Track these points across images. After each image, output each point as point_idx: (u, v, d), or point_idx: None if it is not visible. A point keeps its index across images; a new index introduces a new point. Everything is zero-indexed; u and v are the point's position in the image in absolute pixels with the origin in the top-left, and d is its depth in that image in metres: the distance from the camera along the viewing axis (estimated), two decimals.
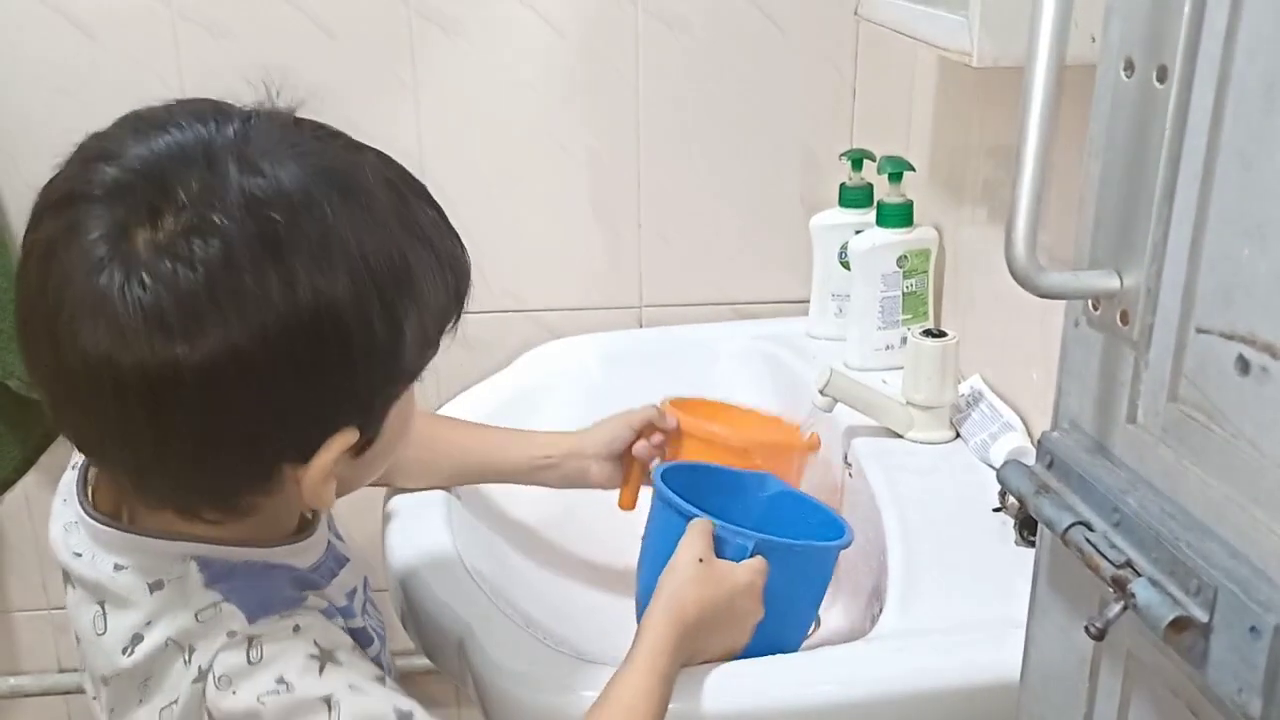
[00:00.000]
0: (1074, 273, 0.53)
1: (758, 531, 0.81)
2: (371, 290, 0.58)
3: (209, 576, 0.62)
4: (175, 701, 0.61)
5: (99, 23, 1.19)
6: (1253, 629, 0.42)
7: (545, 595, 0.99)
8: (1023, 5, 0.52)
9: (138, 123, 0.58)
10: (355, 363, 0.59)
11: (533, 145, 1.28)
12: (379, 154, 0.64)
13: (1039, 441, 0.57)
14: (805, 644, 0.91)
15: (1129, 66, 0.50)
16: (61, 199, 0.57)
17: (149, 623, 0.62)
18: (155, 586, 0.62)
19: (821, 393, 1.00)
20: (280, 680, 0.60)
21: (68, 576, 0.66)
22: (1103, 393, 0.54)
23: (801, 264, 1.30)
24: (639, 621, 0.77)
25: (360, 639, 0.68)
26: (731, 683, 0.74)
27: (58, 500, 0.69)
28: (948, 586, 0.83)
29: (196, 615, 0.61)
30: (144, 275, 0.54)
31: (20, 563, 1.40)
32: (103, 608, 0.63)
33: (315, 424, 0.60)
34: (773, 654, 0.79)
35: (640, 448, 0.97)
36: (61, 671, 1.44)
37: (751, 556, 0.79)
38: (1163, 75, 0.48)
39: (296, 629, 0.62)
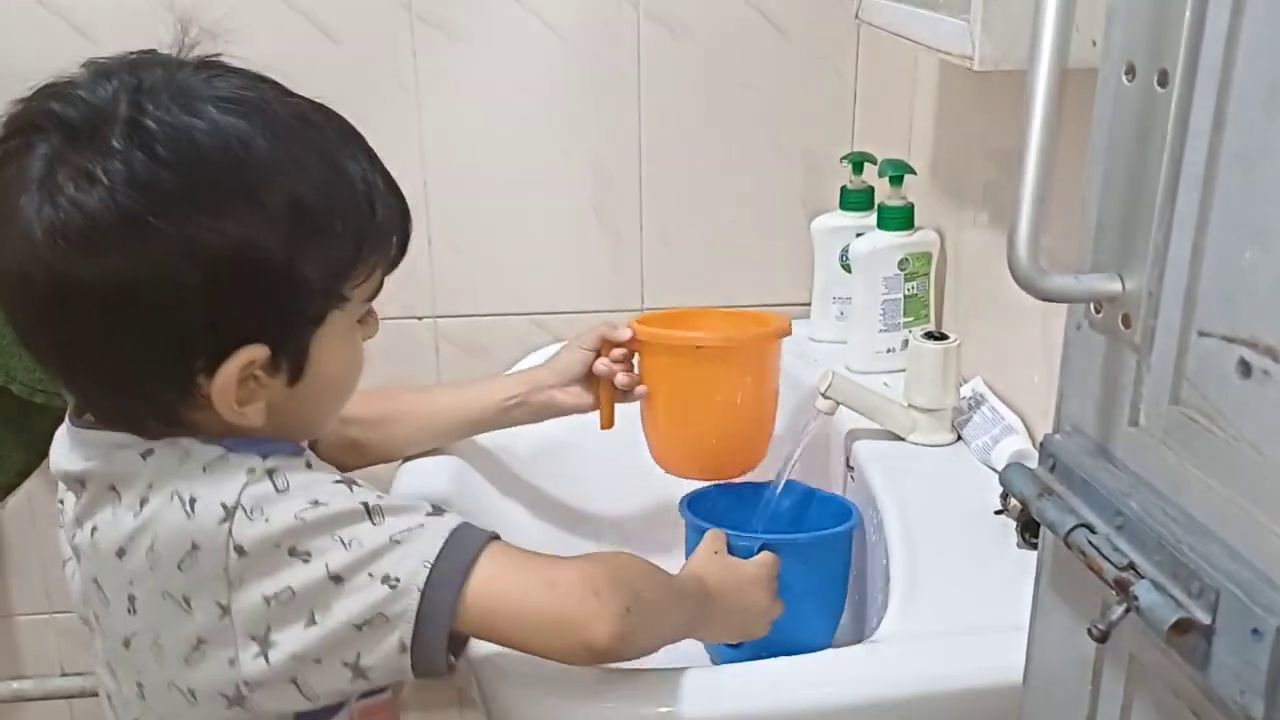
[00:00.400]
0: (1076, 276, 0.53)
1: (777, 532, 0.93)
2: (261, 213, 0.62)
3: (203, 439, 0.66)
4: (194, 548, 0.63)
5: (101, 28, 1.19)
6: (1255, 631, 0.42)
7: None
8: (1024, 9, 0.52)
9: (92, 67, 0.65)
10: (248, 281, 0.63)
11: (535, 149, 1.28)
12: (308, 99, 0.69)
13: (1041, 444, 0.57)
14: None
15: (1130, 70, 0.50)
16: (13, 130, 0.63)
17: (151, 484, 0.65)
18: (147, 454, 0.66)
19: (823, 395, 1.00)
20: (314, 501, 0.64)
21: (81, 483, 0.68)
22: (1105, 396, 0.54)
23: (803, 267, 1.30)
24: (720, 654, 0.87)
25: None
26: (734, 685, 0.74)
27: (54, 445, 0.73)
28: (950, 589, 0.83)
29: (204, 468, 0.64)
30: (55, 196, 0.60)
31: (23, 566, 1.40)
32: (116, 490, 0.66)
33: (213, 335, 0.64)
34: (803, 640, 0.85)
35: (601, 366, 0.99)
36: (64, 675, 1.44)
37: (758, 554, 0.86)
38: (1164, 79, 0.48)
39: (310, 465, 0.67)
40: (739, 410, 1.00)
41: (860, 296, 1.18)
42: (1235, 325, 0.45)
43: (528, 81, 1.26)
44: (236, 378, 0.64)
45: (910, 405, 1.03)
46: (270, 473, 0.64)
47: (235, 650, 0.63)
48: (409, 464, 1.01)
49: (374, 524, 0.64)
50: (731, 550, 0.87)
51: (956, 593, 0.83)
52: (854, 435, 1.05)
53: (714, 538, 0.87)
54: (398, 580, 0.63)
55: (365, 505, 0.64)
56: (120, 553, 0.65)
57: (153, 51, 0.67)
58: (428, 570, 0.63)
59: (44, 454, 1.28)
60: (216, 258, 0.61)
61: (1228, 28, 0.44)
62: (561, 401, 1.00)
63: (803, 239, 1.29)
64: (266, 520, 0.63)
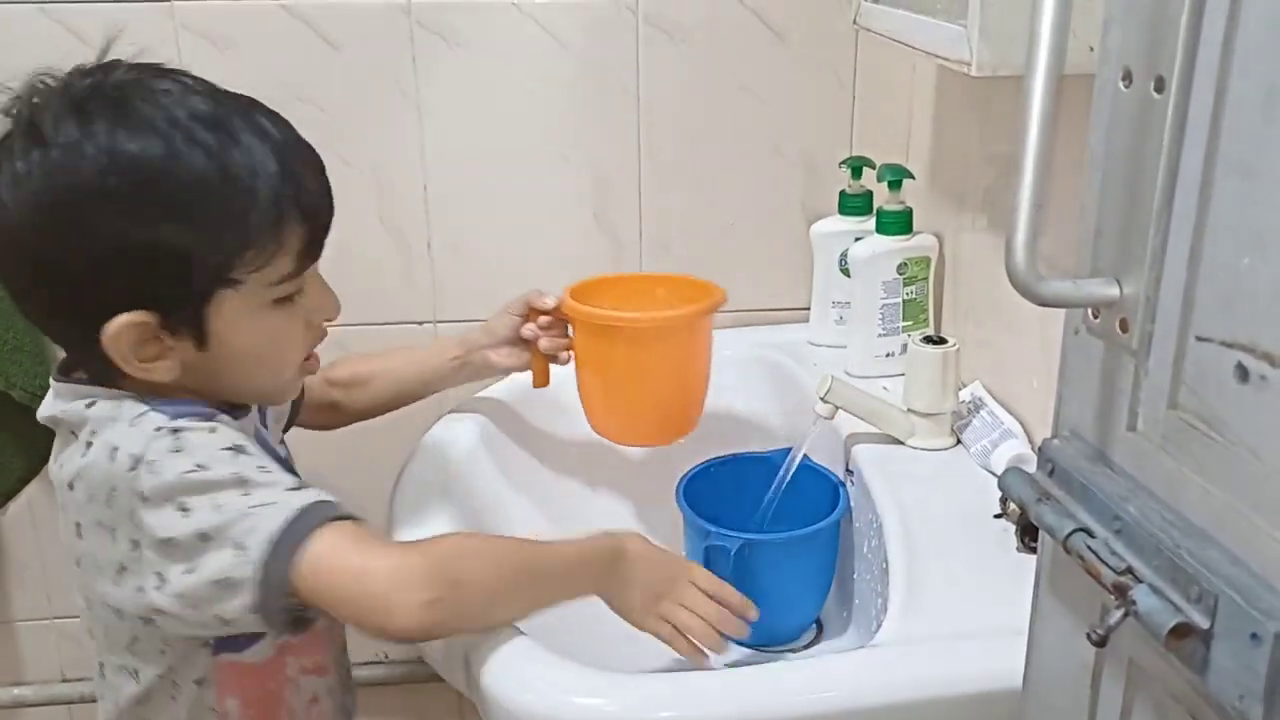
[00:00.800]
0: (1074, 281, 0.53)
1: (764, 519, 1.02)
2: (135, 207, 0.71)
3: (134, 397, 0.76)
4: (114, 490, 0.73)
5: (102, 35, 1.19)
6: (1254, 636, 0.42)
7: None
8: (1021, 15, 0.52)
9: (38, 79, 0.75)
10: (124, 263, 0.72)
11: (535, 155, 1.28)
12: (225, 96, 0.76)
13: (1040, 449, 0.57)
14: (810, 651, 0.97)
15: (1127, 76, 0.50)
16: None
17: (94, 431, 0.75)
18: (90, 404, 0.76)
19: (823, 400, 1.00)
20: (200, 464, 0.72)
21: (57, 424, 0.79)
22: (1103, 401, 0.54)
23: (802, 271, 1.30)
24: None
25: None
26: (733, 689, 0.74)
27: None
28: (949, 593, 0.83)
29: (130, 422, 0.74)
30: None
31: (23, 572, 1.40)
32: (74, 433, 0.77)
33: (104, 303, 0.73)
34: (789, 626, 0.98)
35: (526, 330, 1.05)
36: (64, 681, 1.44)
37: (736, 554, 0.93)
38: (1160, 85, 0.48)
39: (213, 430, 0.75)
40: (668, 383, 1.05)
41: (859, 301, 1.18)
42: (1233, 330, 0.45)
43: (528, 87, 1.26)
44: (126, 339, 0.73)
45: (909, 409, 1.03)
46: (175, 432, 0.73)
47: (143, 580, 0.73)
48: (406, 506, 0.99)
49: (242, 494, 0.72)
50: (712, 550, 0.93)
51: (956, 597, 0.83)
52: (853, 439, 1.05)
53: None
54: (245, 549, 0.70)
55: (238, 475, 0.72)
56: (70, 485, 0.76)
57: (85, 65, 0.76)
58: (269, 545, 0.70)
59: (45, 459, 1.29)
60: (98, 244, 0.71)
61: (1224, 34, 0.45)
62: (495, 361, 1.07)
63: (802, 243, 1.29)
64: (158, 474, 0.71)
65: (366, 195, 1.28)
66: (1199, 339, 0.47)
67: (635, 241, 1.32)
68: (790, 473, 1.01)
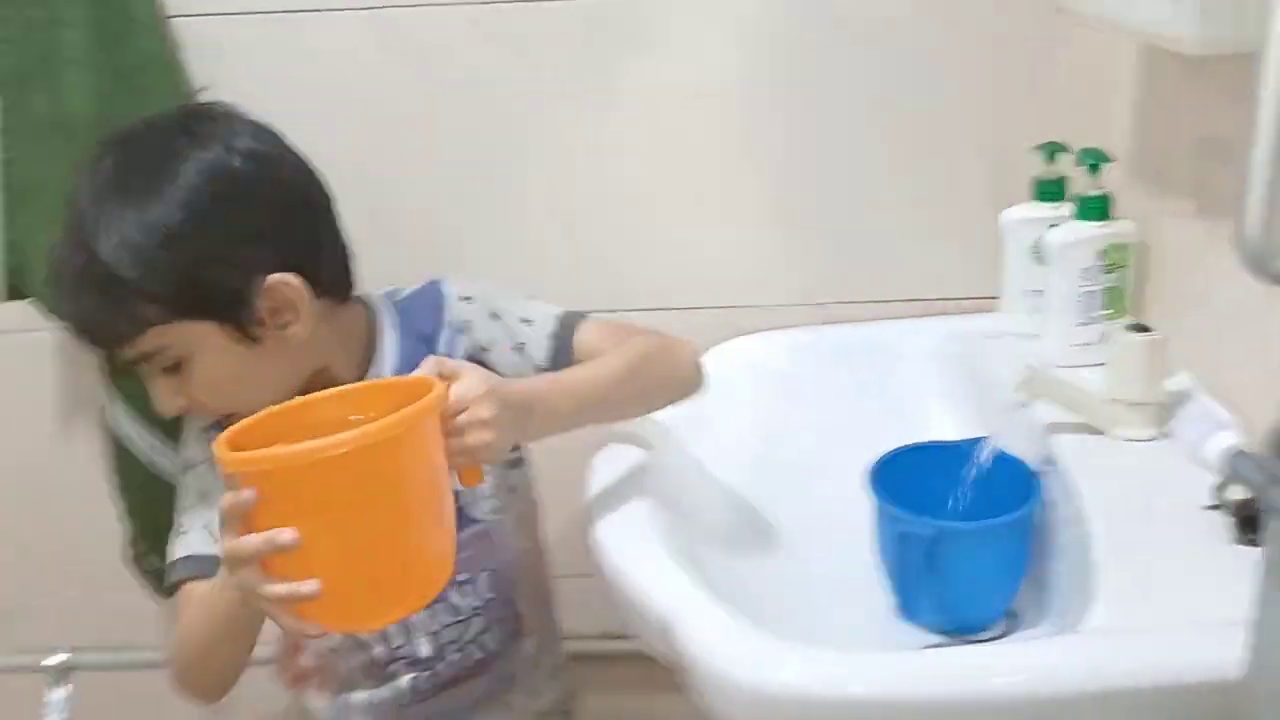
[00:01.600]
0: None
1: (958, 507, 1.00)
2: None
3: None
4: None
5: (319, 47, 1.26)
6: None
7: (743, 574, 1.01)
8: None
9: None
10: None
11: (719, 149, 1.30)
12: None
13: (1271, 431, 0.56)
14: (1014, 635, 0.97)
15: None
16: None
17: None
18: None
19: (1022, 390, 0.99)
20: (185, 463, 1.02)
21: None
22: None
23: (988, 259, 1.28)
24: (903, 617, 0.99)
25: None
26: (937, 668, 0.75)
27: None
28: (1157, 584, 0.81)
29: None
30: None
31: None
32: None
33: None
34: (981, 616, 0.97)
35: None
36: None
37: (933, 543, 0.93)
38: None
39: (204, 430, 0.99)
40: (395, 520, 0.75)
41: (1057, 289, 1.15)
42: None
43: (710, 84, 1.27)
44: None
45: (1113, 399, 1.01)
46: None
47: None
48: (605, 488, 1.01)
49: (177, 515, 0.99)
50: (906, 537, 0.95)
51: (1165, 588, 0.81)
52: (1052, 429, 1.03)
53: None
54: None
55: (177, 499, 1.00)
56: None
57: None
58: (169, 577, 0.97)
59: None
60: None
61: None
62: None
63: (988, 230, 1.26)
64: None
65: (546, 196, 1.32)
66: None
67: (818, 230, 1.32)
68: (984, 460, 1.00)
